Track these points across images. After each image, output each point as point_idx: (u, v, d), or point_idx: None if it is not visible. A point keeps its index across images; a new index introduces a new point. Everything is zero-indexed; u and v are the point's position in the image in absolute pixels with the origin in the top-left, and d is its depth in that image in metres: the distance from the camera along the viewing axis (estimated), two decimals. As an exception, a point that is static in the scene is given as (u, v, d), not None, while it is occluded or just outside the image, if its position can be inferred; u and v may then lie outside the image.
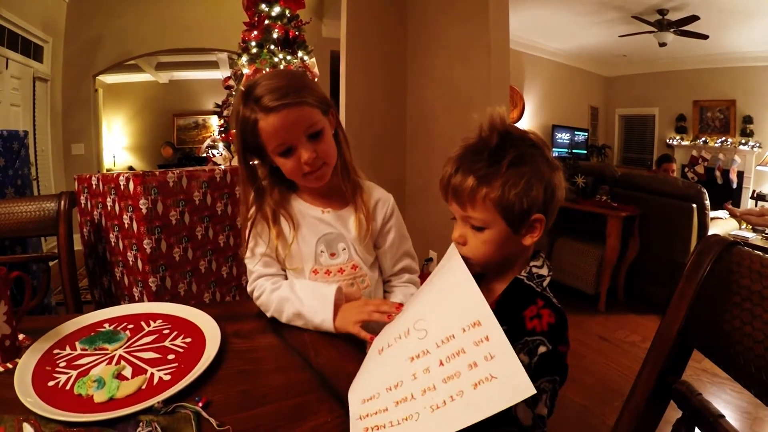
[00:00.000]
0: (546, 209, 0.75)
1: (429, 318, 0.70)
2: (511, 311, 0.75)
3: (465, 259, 0.79)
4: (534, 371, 0.69)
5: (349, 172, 1.06)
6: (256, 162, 1.03)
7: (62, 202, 1.47)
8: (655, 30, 5.26)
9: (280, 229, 1.03)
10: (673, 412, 0.67)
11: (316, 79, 3.11)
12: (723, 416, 0.60)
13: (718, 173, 6.46)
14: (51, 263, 1.50)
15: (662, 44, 5.48)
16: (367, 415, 0.66)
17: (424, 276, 1.13)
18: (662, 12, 4.99)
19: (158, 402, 0.66)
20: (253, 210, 1.04)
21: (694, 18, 4.82)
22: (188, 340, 0.87)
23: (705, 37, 5.18)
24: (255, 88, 0.93)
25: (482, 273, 0.84)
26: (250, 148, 0.98)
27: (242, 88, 0.97)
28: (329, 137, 0.99)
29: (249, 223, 1.05)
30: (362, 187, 1.09)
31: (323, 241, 1.03)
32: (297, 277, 1.05)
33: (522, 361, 0.69)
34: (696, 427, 0.64)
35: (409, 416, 0.62)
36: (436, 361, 0.64)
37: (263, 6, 3.49)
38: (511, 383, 0.57)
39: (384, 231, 1.10)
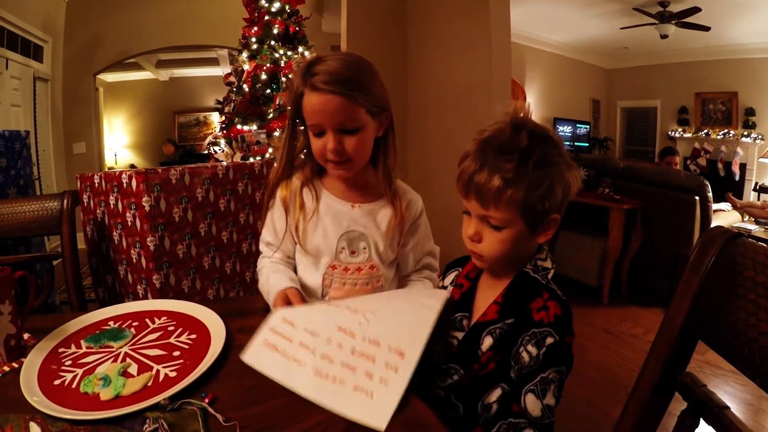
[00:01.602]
0: (561, 209, 0.76)
1: (379, 317, 0.76)
2: (517, 304, 0.76)
3: (477, 255, 0.79)
4: (542, 362, 0.70)
5: (391, 180, 1.05)
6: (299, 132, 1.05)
7: (65, 201, 1.47)
8: (657, 22, 5.24)
9: (303, 202, 1.04)
10: (677, 404, 0.68)
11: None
12: (728, 407, 0.60)
13: (720, 165, 6.44)
14: (54, 262, 1.50)
15: (664, 36, 5.45)
16: (277, 333, 0.78)
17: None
18: (664, 4, 4.97)
19: (164, 399, 0.67)
20: (275, 183, 1.06)
21: (695, 10, 4.80)
22: (193, 336, 0.88)
23: (707, 28, 5.15)
24: (317, 63, 0.93)
25: (490, 269, 0.84)
26: (297, 116, 1.00)
27: (307, 59, 0.99)
28: (365, 137, 0.97)
29: (267, 196, 1.07)
30: (397, 189, 1.08)
31: (345, 238, 1.03)
32: (313, 262, 1.05)
33: (530, 353, 0.70)
34: (701, 418, 0.64)
35: (299, 361, 0.72)
36: (351, 346, 0.72)
37: (263, 2, 3.49)
38: (376, 410, 0.64)
39: (411, 230, 1.10)
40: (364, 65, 0.98)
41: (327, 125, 0.93)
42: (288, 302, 0.92)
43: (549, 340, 0.70)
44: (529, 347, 0.71)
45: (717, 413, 0.60)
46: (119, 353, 0.82)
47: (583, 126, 7.69)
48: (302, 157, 1.07)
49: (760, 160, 6.01)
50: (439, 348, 0.85)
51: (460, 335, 0.81)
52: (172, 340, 0.87)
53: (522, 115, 0.75)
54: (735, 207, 4.61)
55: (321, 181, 1.07)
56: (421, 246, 1.13)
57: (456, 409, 0.79)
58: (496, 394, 0.75)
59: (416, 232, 1.11)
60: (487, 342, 0.76)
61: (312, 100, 0.92)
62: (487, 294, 0.83)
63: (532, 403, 0.69)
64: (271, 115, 3.36)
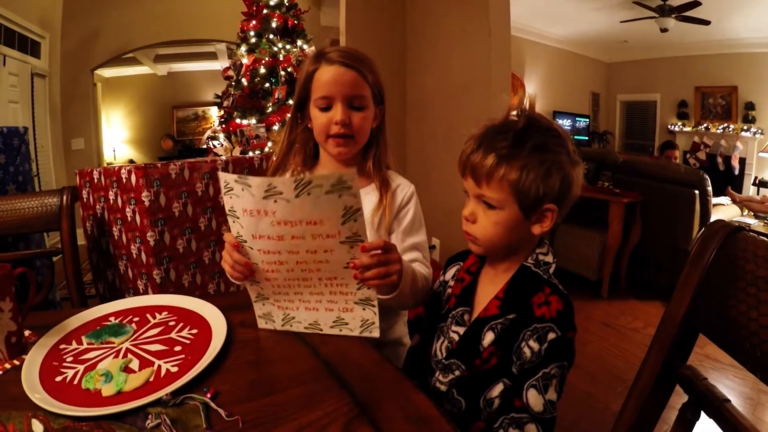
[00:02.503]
0: (560, 201, 0.76)
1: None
2: (519, 298, 0.76)
3: (472, 237, 0.80)
4: (544, 357, 0.70)
5: (381, 165, 1.09)
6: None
7: (64, 197, 1.46)
8: (657, 15, 5.23)
9: None
10: (677, 398, 0.68)
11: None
12: (728, 400, 0.60)
13: (719, 159, 6.44)
14: (54, 258, 1.50)
15: (664, 30, 5.44)
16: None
17: (432, 263, 1.13)
18: (664, -3, 4.96)
19: (166, 394, 0.67)
20: (272, 169, 1.11)
21: (695, 3, 4.79)
22: (194, 331, 0.88)
23: (707, 22, 5.14)
24: (328, 48, 1.01)
25: (485, 255, 0.85)
26: (300, 101, 1.05)
27: (317, 50, 1.04)
28: (368, 118, 1.02)
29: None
30: (387, 178, 1.10)
31: None
32: None
33: (532, 348, 0.71)
34: (702, 412, 0.64)
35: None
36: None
37: (261, -5, 3.47)
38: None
39: (399, 216, 1.08)
40: (368, 57, 1.04)
41: (337, 97, 0.98)
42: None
43: (551, 336, 0.71)
44: (531, 342, 0.71)
45: (718, 406, 0.60)
46: (120, 349, 0.82)
47: (582, 119, 7.68)
48: (297, 146, 1.11)
49: (760, 154, 6.01)
50: (440, 343, 0.86)
51: (461, 330, 0.81)
52: (173, 335, 0.87)
53: (527, 104, 0.77)
54: (734, 201, 4.61)
55: (311, 171, 1.12)
56: (406, 235, 1.07)
57: (458, 404, 0.79)
58: (498, 389, 0.75)
59: (403, 219, 1.08)
60: (489, 337, 0.76)
61: (326, 72, 0.97)
62: (488, 288, 0.83)
63: (534, 398, 0.70)
64: (270, 109, 3.35)
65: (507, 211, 0.76)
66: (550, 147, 0.74)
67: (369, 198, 1.06)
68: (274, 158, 1.12)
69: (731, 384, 2.18)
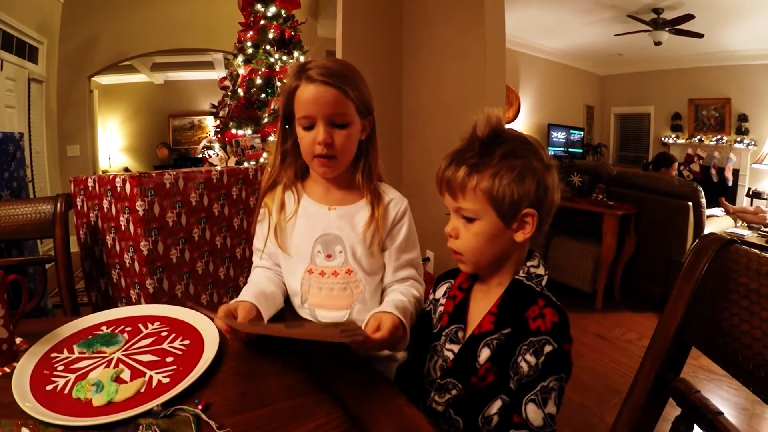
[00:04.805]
0: (539, 206, 0.76)
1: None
2: (513, 313, 0.75)
3: (457, 253, 0.80)
4: (541, 371, 0.70)
5: (372, 176, 1.06)
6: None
7: (58, 205, 1.46)
8: (651, 29, 5.28)
9: (284, 204, 1.06)
10: (672, 410, 0.68)
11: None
12: (721, 413, 0.60)
13: (713, 171, 6.48)
14: (47, 266, 1.49)
15: (657, 43, 5.50)
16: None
17: (426, 275, 1.12)
18: (657, 11, 5.01)
19: (157, 405, 0.66)
20: (267, 183, 1.09)
21: (689, 17, 4.84)
22: (186, 342, 0.87)
23: (700, 35, 5.20)
24: (309, 63, 0.98)
25: (474, 273, 0.84)
26: (285, 116, 1.03)
27: (299, 64, 1.03)
28: (352, 134, 0.99)
29: (259, 200, 1.10)
30: (379, 190, 1.07)
31: (321, 241, 1.02)
32: (293, 267, 1.05)
33: (529, 362, 0.70)
34: (695, 425, 0.64)
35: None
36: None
37: (259, 6, 3.49)
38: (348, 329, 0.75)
39: (393, 232, 1.06)
40: (352, 67, 1.02)
41: (318, 116, 0.95)
42: (231, 315, 0.88)
43: (547, 348, 0.70)
44: (528, 356, 0.71)
45: (711, 419, 0.60)
46: (112, 359, 0.81)
47: (576, 132, 7.72)
48: (289, 159, 1.09)
49: (753, 165, 6.06)
50: (434, 362, 0.85)
51: (456, 348, 0.81)
52: (165, 345, 0.86)
53: (494, 119, 0.77)
54: (728, 212, 4.64)
55: (302, 184, 1.10)
56: (401, 252, 1.06)
57: (456, 423, 0.78)
58: (497, 405, 0.75)
59: (398, 234, 1.06)
60: (485, 354, 0.76)
61: (306, 91, 0.94)
62: (481, 304, 0.82)
63: (533, 413, 0.69)
64: (265, 120, 3.35)
65: (485, 221, 0.76)
66: (519, 153, 0.75)
67: (361, 214, 1.04)
68: (269, 169, 1.11)
69: (726, 395, 2.18)
